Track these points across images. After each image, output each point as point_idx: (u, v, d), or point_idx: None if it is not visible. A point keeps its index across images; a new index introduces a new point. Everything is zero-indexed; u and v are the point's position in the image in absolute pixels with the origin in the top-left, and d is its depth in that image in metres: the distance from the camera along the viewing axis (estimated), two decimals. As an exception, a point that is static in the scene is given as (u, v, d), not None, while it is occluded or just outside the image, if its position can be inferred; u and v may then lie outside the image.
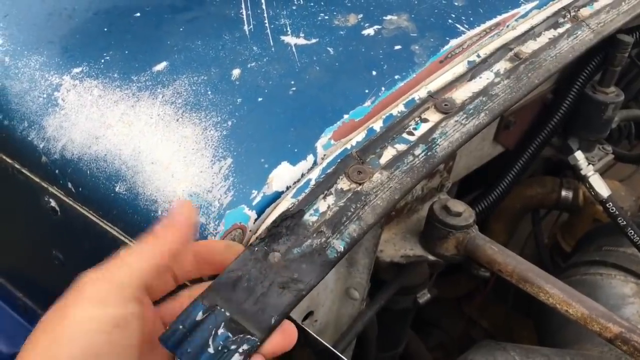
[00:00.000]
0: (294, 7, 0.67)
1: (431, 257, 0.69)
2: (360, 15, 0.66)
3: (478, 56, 0.64)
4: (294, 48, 0.62)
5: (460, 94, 0.60)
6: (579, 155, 0.94)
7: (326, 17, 0.66)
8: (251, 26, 0.64)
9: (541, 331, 0.98)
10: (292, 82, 0.58)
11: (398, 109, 0.57)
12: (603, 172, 1.30)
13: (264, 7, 0.66)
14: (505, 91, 0.61)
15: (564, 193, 1.12)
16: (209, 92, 0.57)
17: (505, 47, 0.66)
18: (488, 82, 0.61)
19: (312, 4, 0.67)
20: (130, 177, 0.53)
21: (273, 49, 0.62)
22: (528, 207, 1.25)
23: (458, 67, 0.62)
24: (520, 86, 0.62)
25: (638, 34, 0.91)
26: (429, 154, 0.54)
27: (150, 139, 0.54)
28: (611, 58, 0.88)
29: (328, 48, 0.62)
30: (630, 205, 1.37)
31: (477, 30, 0.66)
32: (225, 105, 0.56)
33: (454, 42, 0.64)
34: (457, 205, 0.68)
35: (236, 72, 0.59)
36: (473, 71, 0.62)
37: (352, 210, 0.47)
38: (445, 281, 1.22)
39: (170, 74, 0.59)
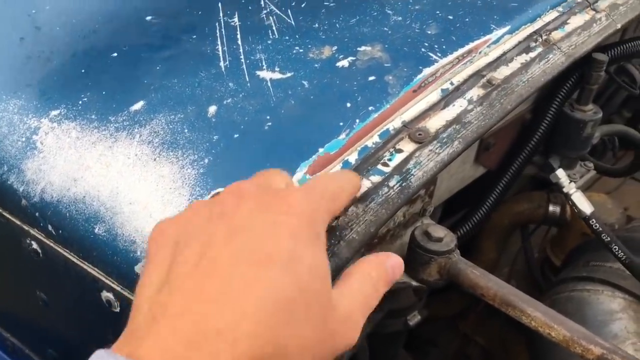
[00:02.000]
0: (269, 42, 0.68)
1: (414, 283, 0.69)
2: (335, 47, 0.68)
3: (451, 84, 0.65)
4: (269, 83, 0.63)
5: (434, 123, 0.61)
6: (560, 173, 0.95)
7: (301, 51, 0.67)
8: (227, 62, 0.65)
9: (532, 349, 0.99)
10: (268, 117, 0.59)
11: (373, 140, 0.58)
12: (591, 185, 1.31)
13: (239, 42, 0.67)
14: (479, 118, 0.62)
15: (551, 208, 1.13)
16: (186, 130, 0.58)
17: (478, 74, 0.67)
18: (461, 110, 0.62)
19: (287, 38, 0.68)
20: (109, 218, 0.54)
21: (249, 85, 0.62)
22: (517, 223, 1.26)
23: (432, 96, 0.63)
24: (493, 112, 0.63)
25: (613, 52, 0.93)
26: (403, 184, 0.54)
27: (128, 179, 0.55)
28: (587, 77, 0.89)
29: (303, 81, 0.63)
30: (617, 218, 1.38)
31: (450, 58, 0.67)
32: (201, 143, 0.57)
33: (427, 71, 0.65)
34: (438, 231, 0.68)
35: (212, 109, 0.60)
36: (446, 99, 0.63)
37: (327, 246, 0.48)
38: (437, 300, 1.22)
39: (148, 113, 0.60)
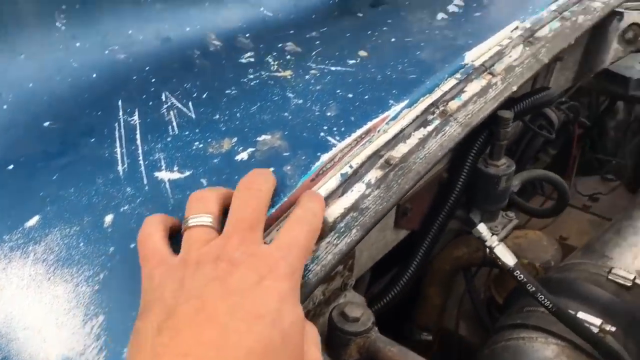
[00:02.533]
0: (169, 139, 0.68)
1: (338, 367, 0.69)
2: (235, 139, 0.68)
3: (350, 167, 0.66)
4: (167, 184, 0.63)
5: (332, 212, 0.62)
6: (482, 227, 0.97)
7: (200, 146, 0.67)
8: (125, 165, 0.65)
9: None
10: (165, 222, 0.59)
11: (271, 237, 0.58)
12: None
13: (138, 142, 0.67)
14: (376, 202, 0.63)
15: (488, 250, 1.14)
16: (81, 244, 0.57)
17: (376, 154, 0.68)
18: (359, 195, 0.63)
19: (187, 133, 0.69)
20: (4, 346, 0.52)
21: (147, 188, 0.62)
22: (457, 267, 1.27)
23: (331, 182, 0.64)
24: (390, 195, 0.64)
25: (520, 106, 0.96)
26: (302, 281, 0.55)
27: (22, 303, 0.54)
28: (496, 134, 0.92)
29: (202, 179, 0.63)
30: (552, 254, 1.41)
31: (349, 140, 0.68)
32: (97, 257, 0.56)
33: (325, 157, 0.66)
34: (355, 310, 0.69)
35: (109, 218, 0.59)
36: (345, 185, 0.64)
37: None
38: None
39: (43, 228, 0.59)
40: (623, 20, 1.09)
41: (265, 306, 0.46)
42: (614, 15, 1.10)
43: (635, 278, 1.06)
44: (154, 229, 0.55)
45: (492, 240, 0.97)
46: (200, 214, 0.55)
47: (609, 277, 1.08)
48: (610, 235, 1.21)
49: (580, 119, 1.57)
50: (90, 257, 0.56)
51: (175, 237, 0.56)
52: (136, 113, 0.71)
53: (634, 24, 1.08)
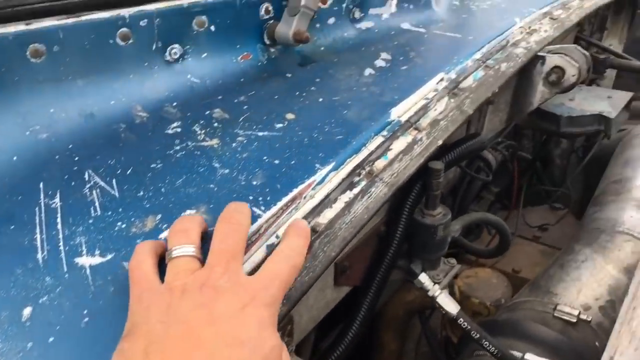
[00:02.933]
0: (90, 221, 0.67)
1: None
2: (159, 216, 0.67)
3: (277, 237, 0.66)
4: (88, 270, 0.61)
5: (258, 286, 0.61)
6: (423, 277, 0.97)
7: (123, 226, 0.66)
8: (45, 252, 0.63)
9: None
10: (85, 312, 0.57)
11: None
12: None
13: (59, 227, 0.66)
14: (302, 274, 0.63)
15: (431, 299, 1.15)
16: (-2, 342, 0.55)
17: (301, 222, 0.68)
18: (285, 267, 0.63)
19: (110, 213, 0.68)
20: None
21: (67, 276, 0.61)
22: (411, 311, 1.28)
23: (257, 255, 0.64)
24: (316, 264, 0.64)
25: (450, 156, 0.98)
26: None
27: None
28: (429, 185, 0.93)
29: (124, 263, 0.62)
30: (503, 291, 1.43)
31: (275, 209, 0.68)
32: (14, 354, 0.54)
33: (251, 229, 0.65)
34: (292, 380, 0.68)
35: (27, 311, 0.58)
36: (270, 257, 0.64)
37: None
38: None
39: (-43, 328, 0.57)
40: (546, 63, 1.13)
41: (248, 332, 0.51)
42: (537, 59, 1.14)
43: (579, 313, 1.07)
44: (145, 256, 0.59)
45: (435, 290, 0.98)
46: (183, 244, 0.59)
47: (555, 314, 1.09)
48: (554, 270, 1.23)
49: (521, 154, 1.61)
50: (7, 356, 0.54)
51: (160, 266, 0.59)
52: (58, 195, 0.70)
53: (556, 67, 1.12)
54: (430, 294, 0.97)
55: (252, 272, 0.59)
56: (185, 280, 0.55)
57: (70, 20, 0.77)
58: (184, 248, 0.59)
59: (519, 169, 1.57)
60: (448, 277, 1.01)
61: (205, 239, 0.62)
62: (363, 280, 0.95)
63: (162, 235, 0.65)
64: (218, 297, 0.52)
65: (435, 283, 0.98)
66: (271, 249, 0.65)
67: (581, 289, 1.16)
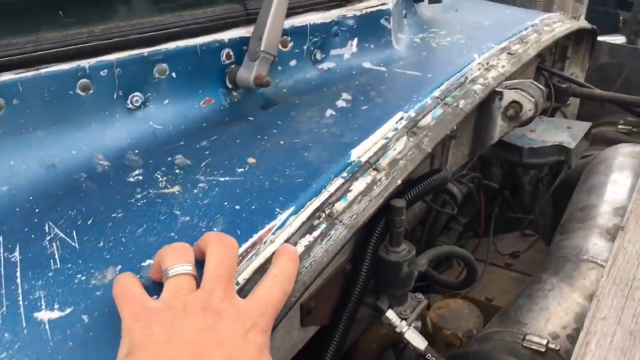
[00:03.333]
0: (50, 274, 0.67)
1: None
2: (119, 267, 0.68)
3: (237, 284, 0.67)
4: (47, 325, 0.61)
5: (217, 335, 0.61)
6: (390, 314, 0.98)
7: (83, 278, 0.66)
8: (4, 308, 0.63)
9: None
10: (43, 368, 0.57)
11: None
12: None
13: (18, 281, 0.66)
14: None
15: (413, 325, 1.15)
16: (-48, 404, 0.55)
17: (262, 268, 0.69)
18: (244, 315, 0.63)
19: (69, 265, 0.68)
20: None
21: (25, 331, 0.61)
22: (384, 344, 1.28)
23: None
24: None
25: (412, 193, 1.00)
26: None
27: None
28: (392, 222, 0.94)
29: (82, 316, 0.62)
30: (474, 322, 1.44)
31: (235, 256, 0.69)
32: (-31, 416, 0.54)
33: (210, 277, 0.66)
34: None
35: (-17, 370, 0.58)
36: (230, 305, 0.64)
37: None
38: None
39: None
40: (503, 99, 1.17)
41: (250, 356, 0.55)
42: (495, 95, 1.17)
43: (548, 342, 1.09)
44: (128, 280, 0.61)
45: (402, 326, 0.99)
46: (179, 263, 0.60)
47: (524, 344, 1.10)
48: (523, 300, 1.25)
49: (488, 184, 1.64)
50: (-39, 418, 0.54)
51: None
52: (17, 249, 0.70)
53: (513, 101, 1.15)
54: (397, 330, 0.98)
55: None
56: (185, 299, 0.57)
57: (30, 74, 0.78)
58: (180, 267, 0.60)
59: (487, 199, 1.60)
60: (415, 313, 1.02)
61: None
62: (330, 319, 0.96)
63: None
64: (221, 322, 0.55)
65: (402, 319, 0.99)
66: (262, 272, 0.66)
67: (549, 318, 1.18)
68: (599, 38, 2.12)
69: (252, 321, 0.57)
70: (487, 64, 1.25)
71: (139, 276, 0.65)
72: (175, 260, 0.61)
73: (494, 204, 1.76)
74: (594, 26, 2.01)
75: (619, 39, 3.53)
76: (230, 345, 0.54)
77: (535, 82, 1.16)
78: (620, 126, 2.27)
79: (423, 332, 1.14)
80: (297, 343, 0.89)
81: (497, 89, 1.17)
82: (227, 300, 0.58)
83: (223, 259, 0.61)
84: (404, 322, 0.98)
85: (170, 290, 0.59)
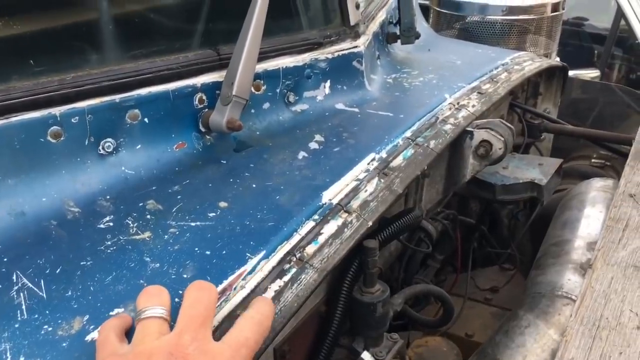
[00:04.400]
0: (16, 326, 0.66)
1: None
2: (86, 317, 0.67)
3: (206, 331, 0.66)
4: (11, 379, 0.60)
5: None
6: (366, 355, 0.98)
7: (49, 329, 0.66)
8: (-32, 363, 0.62)
9: None
10: None
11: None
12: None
13: (-17, 334, 0.65)
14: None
15: (390, 361, 1.14)
16: None
17: (230, 315, 0.69)
18: None
19: (36, 316, 0.67)
20: None
21: (-11, 386, 0.60)
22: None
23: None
24: (244, 358, 0.64)
25: (385, 234, 1.00)
26: None
27: None
28: (365, 263, 0.95)
29: (48, 369, 0.61)
30: (453, 359, 1.43)
31: (204, 302, 0.69)
32: None
33: (179, 325, 0.65)
34: None
35: None
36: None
37: None
38: None
39: None
40: (474, 138, 1.19)
41: None
42: (465, 134, 1.19)
43: (525, 380, 1.09)
44: (108, 325, 0.62)
45: (378, 368, 0.98)
46: (153, 305, 0.60)
47: (502, 382, 1.10)
48: (500, 337, 1.25)
49: (464, 220, 1.65)
50: None
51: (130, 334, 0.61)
52: (-16, 302, 0.69)
53: (483, 140, 1.17)
54: (373, 372, 0.97)
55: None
56: (152, 345, 0.56)
57: (0, 122, 0.78)
58: (153, 309, 0.60)
59: (464, 234, 1.61)
60: (391, 354, 1.01)
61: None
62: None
63: (89, 337, 0.65)
64: None
65: (377, 360, 0.98)
66: (232, 318, 0.66)
67: (526, 355, 1.18)
68: (574, 72, 2.17)
69: None
70: (458, 103, 1.27)
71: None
72: (148, 302, 0.61)
73: (472, 239, 1.77)
74: (564, 63, 2.06)
75: (593, 73, 3.61)
76: None
77: (504, 122, 1.19)
78: (593, 160, 2.30)
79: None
80: (271, 389, 0.89)
81: (467, 129, 1.19)
82: (197, 342, 0.57)
83: (197, 301, 0.61)
84: (379, 364, 0.97)
85: (139, 334, 0.59)
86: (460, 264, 1.54)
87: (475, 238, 1.82)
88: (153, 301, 0.61)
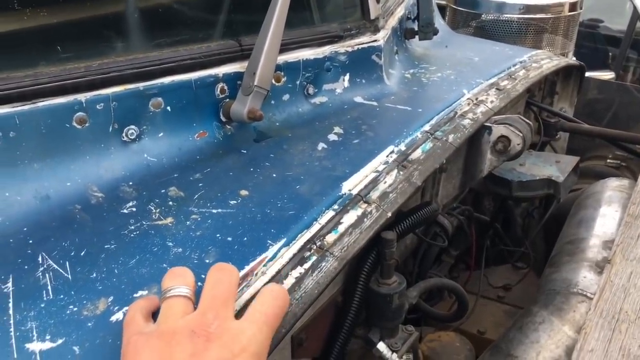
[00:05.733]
0: (42, 305, 0.67)
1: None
2: (111, 298, 0.68)
3: (229, 315, 0.67)
4: (38, 356, 0.62)
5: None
6: (381, 346, 0.98)
7: (75, 309, 0.67)
8: (-5, 341, 0.63)
9: None
10: (34, 401, 0.57)
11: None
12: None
13: (10, 312, 0.66)
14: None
15: (404, 357, 1.15)
16: None
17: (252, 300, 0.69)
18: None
19: (62, 297, 0.68)
20: None
21: (16, 363, 0.61)
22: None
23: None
24: (266, 342, 0.65)
25: (402, 226, 1.01)
26: None
27: None
28: (382, 254, 0.95)
29: (74, 347, 0.62)
30: (465, 355, 1.44)
31: (226, 287, 0.70)
32: None
33: (202, 308, 0.66)
34: None
35: (-27, 403, 0.58)
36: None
37: None
38: None
39: None
40: (492, 133, 1.19)
41: None
42: (483, 129, 1.19)
43: (539, 376, 1.09)
44: (135, 306, 0.63)
45: (393, 358, 0.99)
46: (178, 285, 0.61)
47: (515, 377, 1.10)
48: (514, 333, 1.25)
49: (479, 217, 1.65)
50: None
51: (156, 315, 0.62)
52: (10, 280, 0.70)
53: (501, 136, 1.18)
54: (388, 363, 0.98)
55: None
56: (175, 324, 0.57)
57: (27, 107, 0.80)
58: (178, 289, 0.61)
59: (478, 231, 1.61)
60: (406, 345, 1.02)
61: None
62: (322, 351, 0.96)
63: (113, 318, 0.66)
64: (209, 347, 0.54)
65: (393, 351, 0.99)
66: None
67: (540, 351, 1.18)
68: (588, 74, 2.16)
69: (241, 345, 0.56)
70: (476, 99, 1.27)
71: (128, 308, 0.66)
72: (173, 282, 0.62)
73: (486, 236, 1.77)
74: (582, 63, 2.05)
75: (608, 75, 3.60)
76: None
77: (523, 117, 1.19)
78: (609, 160, 2.30)
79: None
80: (288, 377, 0.89)
81: (486, 124, 1.19)
82: (219, 321, 0.57)
83: (219, 282, 0.62)
84: (395, 355, 0.98)
85: (163, 313, 0.60)
86: (474, 261, 1.54)
87: (489, 236, 1.82)
88: (178, 281, 0.62)
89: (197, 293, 0.64)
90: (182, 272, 0.64)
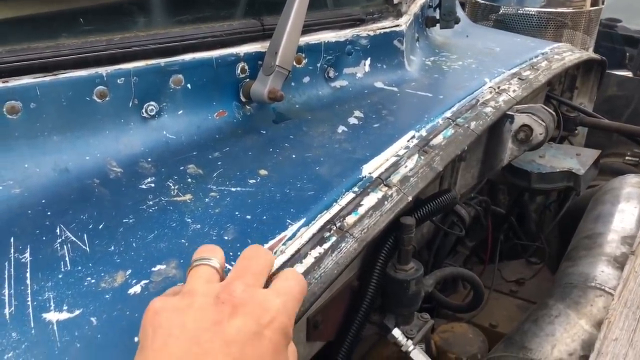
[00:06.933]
0: (60, 276, 0.67)
1: None
2: (129, 271, 0.68)
3: (247, 292, 0.66)
4: (55, 326, 0.61)
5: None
6: (397, 332, 0.97)
7: (92, 281, 0.66)
8: (12, 308, 0.63)
9: None
10: (50, 369, 0.57)
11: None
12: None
13: (28, 282, 0.66)
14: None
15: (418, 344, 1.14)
16: (-43, 401, 0.54)
17: (271, 280, 0.69)
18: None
19: (79, 268, 0.68)
20: None
21: (33, 332, 0.60)
22: (389, 366, 1.26)
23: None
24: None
25: (421, 212, 1.00)
26: None
27: None
28: (400, 240, 0.94)
29: (91, 318, 0.62)
30: (479, 346, 1.42)
31: (245, 264, 0.69)
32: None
33: (221, 284, 0.66)
34: None
35: (-10, 368, 0.57)
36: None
37: None
38: None
39: None
40: (514, 122, 1.17)
41: (262, 358, 0.49)
42: (505, 118, 1.18)
43: (554, 368, 1.07)
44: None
45: (408, 345, 0.98)
46: (207, 256, 0.58)
47: (529, 369, 1.09)
48: (528, 326, 1.24)
49: (495, 209, 1.64)
50: (-34, 414, 0.53)
51: None
52: (28, 250, 0.70)
53: (524, 125, 1.16)
54: (403, 349, 0.97)
55: None
56: (200, 287, 0.53)
57: (48, 78, 0.79)
58: (205, 260, 0.58)
59: (493, 224, 1.60)
60: (422, 332, 1.01)
61: None
62: (336, 335, 0.95)
63: (131, 291, 0.65)
64: (233, 314, 0.50)
65: (408, 338, 0.98)
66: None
67: (555, 344, 1.17)
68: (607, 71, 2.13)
69: (270, 316, 0.51)
70: (498, 87, 1.25)
71: (146, 281, 0.65)
72: (202, 254, 0.59)
73: (500, 230, 1.75)
74: (603, 57, 2.02)
75: (625, 75, 3.55)
76: (240, 345, 0.48)
77: (546, 107, 1.17)
78: (627, 157, 2.27)
79: (428, 354, 1.13)
80: (303, 358, 0.89)
81: (508, 112, 1.17)
82: (246, 288, 0.53)
83: (253, 258, 0.59)
84: (410, 341, 0.97)
85: (190, 279, 0.56)
86: (489, 254, 1.53)
87: (503, 229, 1.81)
88: (208, 254, 0.59)
89: (226, 273, 0.62)
90: (212, 248, 0.61)
